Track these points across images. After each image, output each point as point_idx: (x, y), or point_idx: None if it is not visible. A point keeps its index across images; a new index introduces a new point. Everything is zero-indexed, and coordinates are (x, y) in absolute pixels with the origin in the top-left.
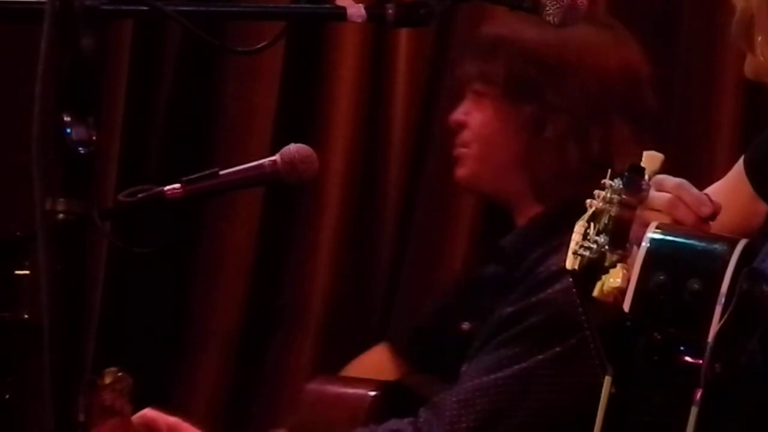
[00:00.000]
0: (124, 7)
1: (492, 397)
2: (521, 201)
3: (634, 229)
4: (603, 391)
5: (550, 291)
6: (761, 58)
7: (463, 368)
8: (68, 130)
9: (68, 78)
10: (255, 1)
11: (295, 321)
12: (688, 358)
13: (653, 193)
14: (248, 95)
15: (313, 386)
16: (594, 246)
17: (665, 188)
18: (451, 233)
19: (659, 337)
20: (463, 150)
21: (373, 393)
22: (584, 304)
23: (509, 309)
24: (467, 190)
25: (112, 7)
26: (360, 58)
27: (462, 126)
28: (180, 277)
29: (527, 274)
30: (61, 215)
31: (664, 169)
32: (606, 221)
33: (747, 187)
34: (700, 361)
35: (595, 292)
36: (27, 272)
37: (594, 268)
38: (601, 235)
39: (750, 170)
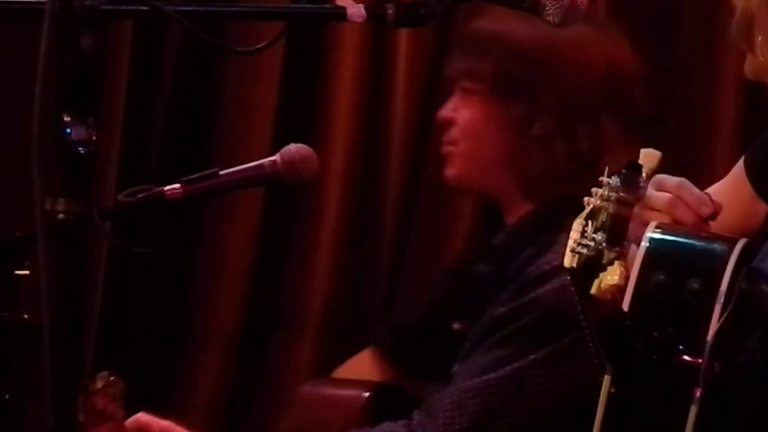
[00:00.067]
0: (124, 7)
1: (485, 398)
2: (510, 199)
3: (634, 228)
4: (602, 390)
5: (541, 290)
6: (761, 58)
7: (455, 368)
8: (68, 130)
9: (68, 78)
10: (255, 1)
11: (295, 321)
12: (687, 358)
13: (653, 193)
14: (248, 95)
15: (307, 388)
16: (592, 244)
17: (666, 188)
18: (451, 233)
19: (658, 336)
20: (451, 148)
21: (366, 394)
22: (582, 302)
23: (501, 309)
24: (457, 189)
25: (112, 7)
26: (360, 58)
27: (450, 123)
28: (180, 277)
29: (518, 273)
30: (61, 215)
31: (664, 168)
32: (603, 219)
33: (747, 187)
34: (700, 361)
35: (593, 290)
36: (27, 272)
37: (592, 265)
38: (599, 233)
39: (750, 170)
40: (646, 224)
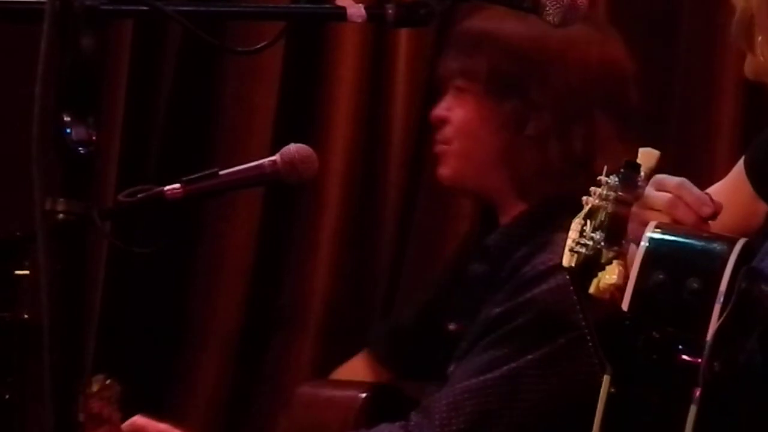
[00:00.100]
0: (124, 7)
1: (481, 399)
2: (504, 199)
3: (633, 227)
4: (602, 390)
5: (537, 291)
6: (761, 58)
7: (451, 369)
8: (68, 130)
9: (68, 78)
10: (255, 1)
11: (295, 321)
12: (686, 357)
13: (653, 193)
14: (248, 95)
15: (305, 389)
16: (590, 243)
17: (666, 188)
18: (451, 233)
19: (658, 336)
20: (444, 147)
21: (364, 395)
22: (581, 301)
23: (497, 309)
24: (451, 189)
25: (112, 7)
26: (360, 58)
27: (443, 122)
28: (180, 277)
29: (513, 274)
30: (61, 215)
31: (664, 168)
32: (602, 218)
33: (747, 187)
34: (699, 360)
35: (592, 289)
36: (27, 272)
37: (590, 265)
38: (597, 232)
39: (750, 170)
40: (645, 224)
